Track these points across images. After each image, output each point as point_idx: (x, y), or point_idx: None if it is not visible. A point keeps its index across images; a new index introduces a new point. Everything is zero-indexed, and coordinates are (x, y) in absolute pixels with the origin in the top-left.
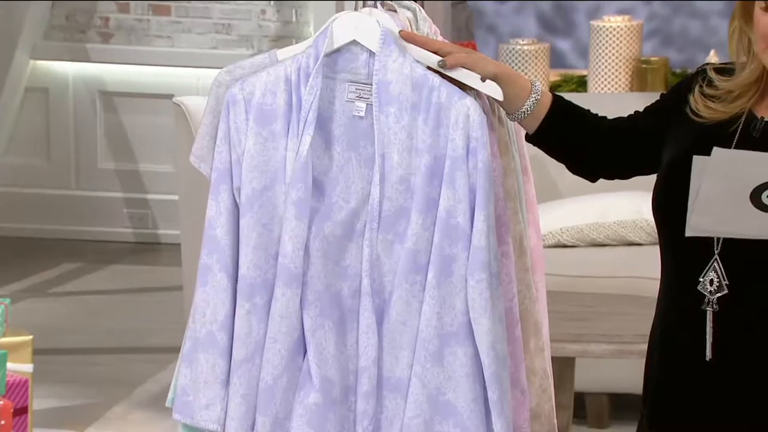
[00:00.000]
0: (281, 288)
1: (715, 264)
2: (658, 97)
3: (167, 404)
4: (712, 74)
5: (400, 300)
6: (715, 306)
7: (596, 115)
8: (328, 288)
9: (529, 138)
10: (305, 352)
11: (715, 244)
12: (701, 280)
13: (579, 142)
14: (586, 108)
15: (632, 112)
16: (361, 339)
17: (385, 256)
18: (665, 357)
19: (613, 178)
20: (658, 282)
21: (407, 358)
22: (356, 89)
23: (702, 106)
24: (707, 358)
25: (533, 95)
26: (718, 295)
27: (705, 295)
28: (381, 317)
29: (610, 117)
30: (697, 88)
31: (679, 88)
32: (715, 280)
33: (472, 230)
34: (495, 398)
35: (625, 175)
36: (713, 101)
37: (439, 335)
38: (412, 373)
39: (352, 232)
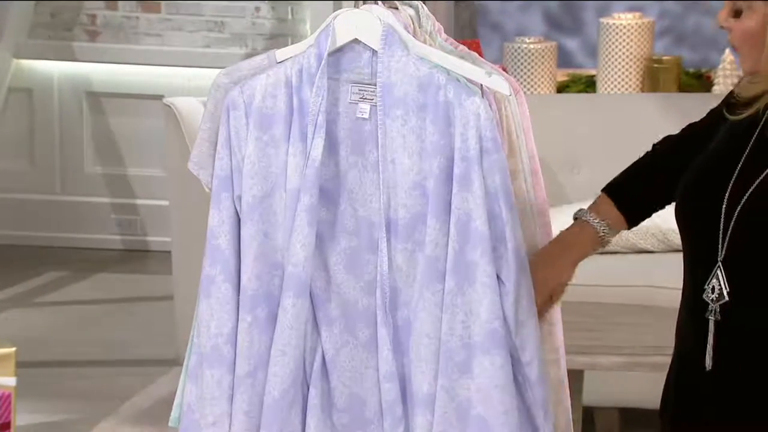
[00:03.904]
0: (291, 298)
1: (718, 271)
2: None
3: (171, 423)
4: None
5: (425, 311)
6: (717, 314)
7: (651, 155)
8: (355, 303)
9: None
10: (305, 366)
11: (719, 251)
12: (706, 287)
13: (654, 193)
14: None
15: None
16: (381, 353)
17: (406, 266)
18: (675, 366)
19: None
20: (670, 291)
21: (435, 371)
22: (359, 90)
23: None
24: (707, 368)
25: (601, 233)
26: (720, 303)
27: (708, 303)
28: (408, 330)
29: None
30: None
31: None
32: (717, 287)
33: (491, 234)
34: (539, 400)
35: None
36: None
37: (465, 345)
38: (438, 386)
39: (370, 242)
